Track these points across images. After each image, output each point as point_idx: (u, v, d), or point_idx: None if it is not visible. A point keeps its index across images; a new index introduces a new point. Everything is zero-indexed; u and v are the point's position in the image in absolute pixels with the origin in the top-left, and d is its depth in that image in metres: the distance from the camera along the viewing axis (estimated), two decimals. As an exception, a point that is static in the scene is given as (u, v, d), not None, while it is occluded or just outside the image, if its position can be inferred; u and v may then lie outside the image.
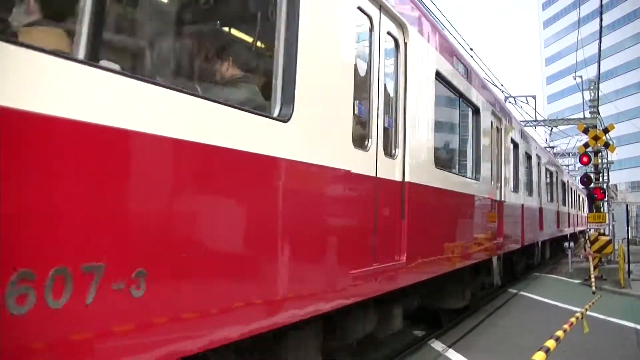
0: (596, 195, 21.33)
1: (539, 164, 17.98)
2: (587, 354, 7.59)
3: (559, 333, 5.94)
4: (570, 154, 37.61)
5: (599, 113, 26.25)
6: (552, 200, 21.13)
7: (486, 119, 9.89)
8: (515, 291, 14.13)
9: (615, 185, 33.57)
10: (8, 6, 2.78)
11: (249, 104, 3.50)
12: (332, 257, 4.19)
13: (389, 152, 5.36)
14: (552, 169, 21.86)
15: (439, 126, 7.12)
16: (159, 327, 2.67)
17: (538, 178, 17.62)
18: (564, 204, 26.19)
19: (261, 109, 3.56)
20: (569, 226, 27.92)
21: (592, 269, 15.58)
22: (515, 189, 13.15)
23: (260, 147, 3.33)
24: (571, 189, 31.27)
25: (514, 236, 12.69)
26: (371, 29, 5.02)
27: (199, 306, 2.91)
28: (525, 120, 25.43)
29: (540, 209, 17.37)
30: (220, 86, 3.78)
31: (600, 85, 26.81)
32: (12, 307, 2.02)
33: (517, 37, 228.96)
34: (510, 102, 24.88)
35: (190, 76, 3.86)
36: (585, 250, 19.47)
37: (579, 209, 37.65)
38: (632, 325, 9.78)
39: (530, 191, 15.67)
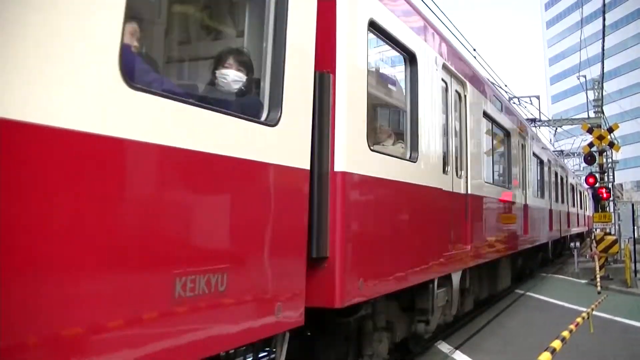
0: (601, 194, 21.32)
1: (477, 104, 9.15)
2: (593, 354, 7.59)
3: (565, 333, 5.95)
4: (575, 154, 37.55)
5: (603, 112, 26.26)
6: (506, 183, 11.69)
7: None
8: (522, 292, 14.13)
9: (621, 185, 33.42)
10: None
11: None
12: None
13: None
14: (506, 120, 11.76)
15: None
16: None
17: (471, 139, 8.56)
18: (542, 195, 16.78)
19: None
20: (551, 230, 18.17)
21: (597, 268, 15.55)
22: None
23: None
24: (556, 173, 20.82)
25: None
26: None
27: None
28: (530, 120, 25.40)
29: (474, 200, 8.34)
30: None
31: (604, 84, 26.87)
32: None
33: (521, 38, 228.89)
34: (514, 103, 24.90)
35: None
36: (591, 250, 19.43)
37: (574, 205, 27.99)
38: (638, 324, 9.77)
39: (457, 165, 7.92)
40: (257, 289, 3.49)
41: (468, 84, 8.28)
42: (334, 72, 4.39)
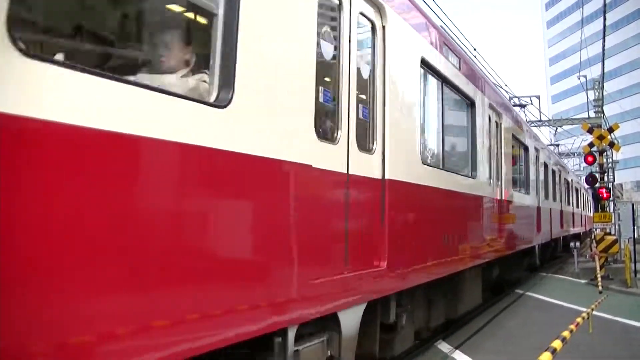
0: (602, 194, 21.31)
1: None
2: (593, 354, 7.58)
3: (565, 333, 5.94)
4: (575, 154, 37.55)
5: (603, 112, 26.26)
6: (470, 170, 8.81)
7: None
8: (521, 292, 14.11)
9: (621, 185, 33.38)
10: None
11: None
12: None
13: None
14: (467, 84, 8.67)
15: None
16: None
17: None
18: (527, 190, 13.87)
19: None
20: (539, 231, 15.45)
21: (598, 268, 15.53)
22: None
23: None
24: (545, 165, 17.74)
25: None
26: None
27: None
28: (531, 121, 25.40)
29: (400, 189, 5.53)
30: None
31: (605, 84, 26.85)
32: None
33: (521, 37, 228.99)
34: (514, 103, 24.90)
35: None
36: (591, 250, 19.42)
37: (569, 203, 24.14)
38: (638, 324, 9.75)
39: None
40: None
41: (389, 10, 5.44)
42: None
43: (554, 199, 19.48)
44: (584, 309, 9.05)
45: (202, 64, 3.33)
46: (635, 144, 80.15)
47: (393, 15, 5.51)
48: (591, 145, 20.90)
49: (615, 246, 17.80)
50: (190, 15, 3.69)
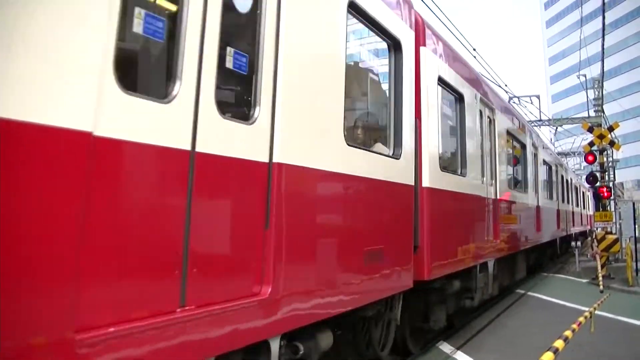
0: (602, 193, 21.29)
1: None
2: (595, 354, 7.56)
3: (568, 333, 5.92)
4: (576, 153, 37.52)
5: (603, 111, 26.19)
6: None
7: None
8: (522, 291, 14.09)
9: (622, 184, 33.37)
10: None
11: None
12: None
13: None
14: None
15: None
16: None
17: None
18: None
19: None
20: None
21: (599, 267, 15.51)
22: None
23: None
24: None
25: None
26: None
27: None
28: (531, 120, 25.35)
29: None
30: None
31: (605, 83, 26.77)
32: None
33: (520, 37, 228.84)
34: (514, 103, 24.87)
35: None
36: (592, 249, 19.41)
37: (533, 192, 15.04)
38: (640, 323, 9.74)
39: None
40: None
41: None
42: None
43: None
44: (586, 309, 9.03)
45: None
46: (636, 143, 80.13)
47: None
48: (591, 144, 20.89)
49: (617, 245, 17.78)
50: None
